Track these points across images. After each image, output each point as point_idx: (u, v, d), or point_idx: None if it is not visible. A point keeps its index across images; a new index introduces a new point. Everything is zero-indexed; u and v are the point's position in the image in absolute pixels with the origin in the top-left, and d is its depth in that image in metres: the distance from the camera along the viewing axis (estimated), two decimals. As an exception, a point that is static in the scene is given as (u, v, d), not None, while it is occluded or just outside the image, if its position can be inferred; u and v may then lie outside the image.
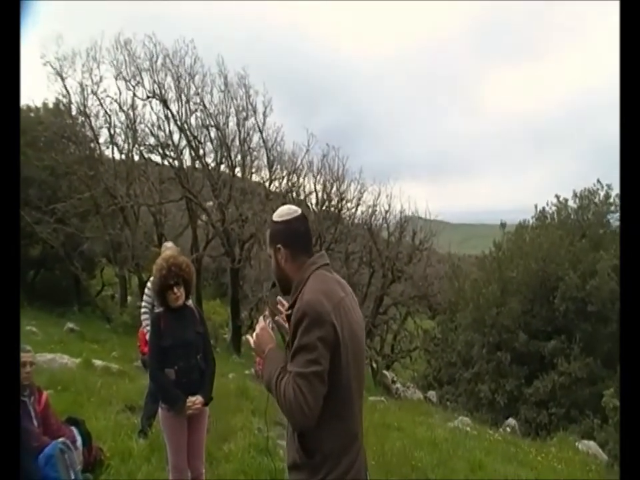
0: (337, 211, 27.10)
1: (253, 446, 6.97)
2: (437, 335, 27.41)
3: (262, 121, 25.42)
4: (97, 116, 25.08)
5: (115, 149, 25.90)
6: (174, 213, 28.51)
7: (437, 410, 16.20)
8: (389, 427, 10.07)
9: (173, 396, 4.60)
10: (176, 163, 25.09)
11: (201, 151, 25.45)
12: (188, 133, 24.74)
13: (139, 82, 24.22)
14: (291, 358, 2.54)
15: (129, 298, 28.04)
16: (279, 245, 2.79)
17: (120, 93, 24.52)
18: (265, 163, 26.31)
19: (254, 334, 2.64)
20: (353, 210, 27.86)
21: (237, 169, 26.13)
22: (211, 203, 25.54)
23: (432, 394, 20.82)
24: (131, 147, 25.72)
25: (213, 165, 25.91)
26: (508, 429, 14.76)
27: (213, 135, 25.54)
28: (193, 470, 4.76)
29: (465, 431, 11.71)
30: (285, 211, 2.86)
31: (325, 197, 26.96)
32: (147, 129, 25.19)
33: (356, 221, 28.12)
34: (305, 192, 27.04)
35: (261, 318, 2.92)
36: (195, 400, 4.62)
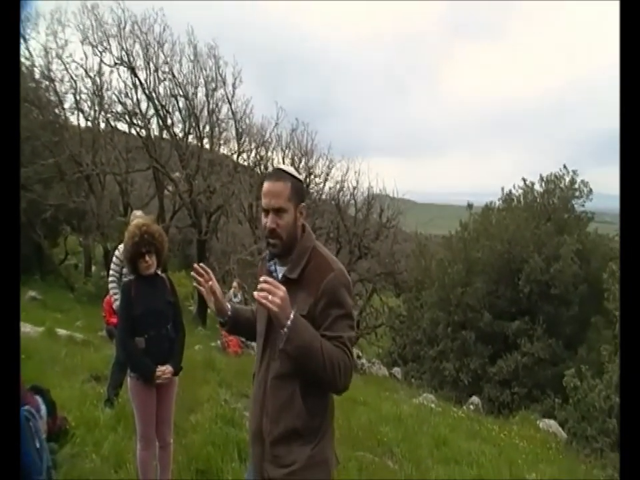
0: (304, 185, 26.95)
1: (219, 417, 6.94)
2: (402, 313, 27.61)
3: (231, 92, 25.11)
4: (61, 81, 24.42)
5: (81, 115, 25.35)
6: (140, 183, 28.13)
7: (401, 386, 16.32)
8: (355, 402, 10.09)
9: (143, 365, 4.49)
10: (143, 131, 24.68)
11: (169, 121, 25.05)
12: (156, 101, 24.31)
13: (106, 48, 23.66)
14: (332, 323, 2.56)
15: (93, 267, 27.64)
16: (303, 203, 2.73)
17: (86, 58, 23.94)
18: (234, 134, 26.02)
19: (275, 297, 2.43)
20: (321, 185, 27.76)
21: (205, 140, 25.81)
22: (178, 174, 25.26)
23: (397, 370, 20.94)
24: (97, 114, 25.19)
25: (181, 135, 25.55)
26: (472, 407, 14.95)
27: (181, 104, 25.15)
28: (160, 439, 4.68)
29: (430, 408, 11.82)
30: (296, 172, 2.79)
31: (293, 171, 26.82)
32: (114, 96, 24.67)
33: (323, 196, 28.02)
34: (272, 165, 26.82)
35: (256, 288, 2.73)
36: (165, 369, 4.53)
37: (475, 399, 16.47)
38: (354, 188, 27.69)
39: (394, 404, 10.93)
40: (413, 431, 8.83)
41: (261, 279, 2.51)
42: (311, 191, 27.22)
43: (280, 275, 2.73)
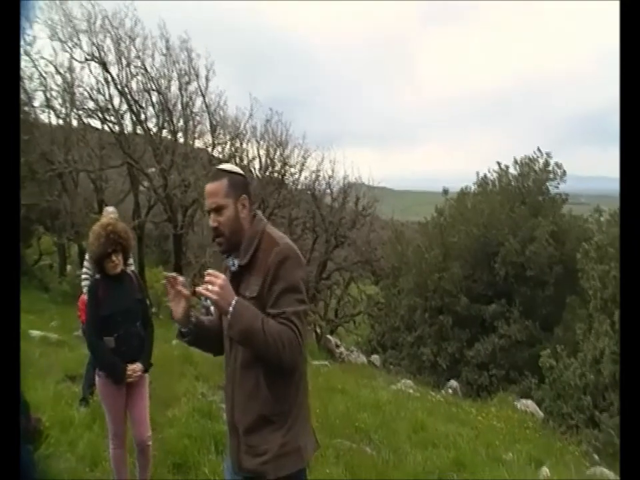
0: (280, 176, 26.82)
1: (196, 410, 6.95)
2: (380, 300, 27.71)
3: (204, 85, 24.89)
4: (30, 78, 24.03)
5: (52, 112, 24.99)
6: (115, 179, 27.77)
7: (380, 373, 16.41)
8: (333, 390, 10.13)
9: (112, 365, 4.50)
10: (116, 127, 24.35)
11: (142, 116, 24.73)
12: (129, 96, 24.00)
13: (76, 43, 23.23)
14: (276, 300, 2.56)
15: (68, 267, 27.36)
16: (244, 195, 2.76)
17: (56, 55, 23.55)
18: (208, 127, 25.83)
19: (214, 286, 2.48)
20: (297, 175, 27.65)
21: (180, 134, 25.59)
22: (153, 169, 25.03)
23: (375, 358, 21.06)
24: (68, 111, 24.78)
25: (154, 129, 25.30)
26: (450, 391, 15.10)
27: (154, 99, 24.87)
28: (138, 437, 4.68)
29: (408, 393, 11.91)
30: (235, 167, 2.85)
31: (268, 162, 26.62)
32: (85, 93, 24.26)
33: (299, 186, 27.95)
34: (248, 157, 26.66)
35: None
36: (135, 367, 4.54)
37: (453, 382, 16.63)
38: (329, 177, 27.62)
39: (372, 391, 10.99)
40: (390, 416, 8.88)
41: (206, 272, 2.55)
42: (287, 181, 27.15)
43: (234, 267, 2.78)
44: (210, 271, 2.56)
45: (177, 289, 2.74)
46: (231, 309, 2.49)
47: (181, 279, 2.78)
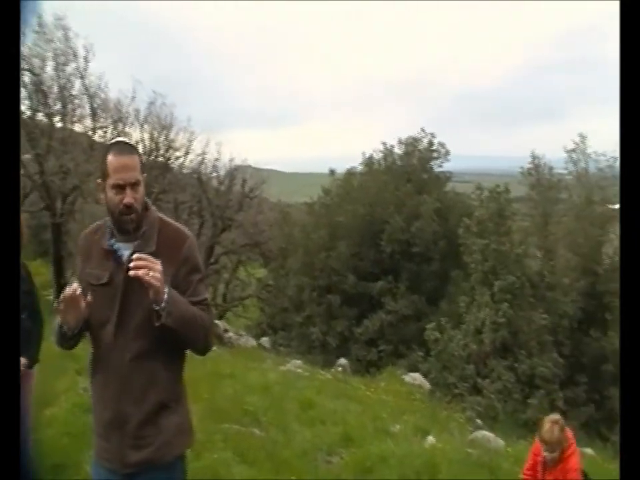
0: (165, 160, 26.20)
1: (77, 406, 6.56)
2: (269, 282, 27.68)
3: (83, 66, 23.75)
4: None
5: None
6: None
7: (270, 355, 16.31)
8: (221, 375, 9.92)
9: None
10: (-16, 110, 22.99)
11: (14, 98, 23.44)
12: (-1, 77, 22.66)
13: None
14: (195, 288, 2.57)
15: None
16: (144, 174, 2.62)
17: None
18: (88, 111, 24.73)
19: (155, 272, 2.34)
20: (182, 159, 27.08)
21: (57, 118, 24.39)
22: (27, 155, 23.78)
23: (265, 340, 20.87)
24: None
25: (28, 113, 23.99)
26: (340, 369, 15.17)
27: (27, 79, 23.58)
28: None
29: (297, 373, 11.88)
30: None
31: (153, 146, 25.94)
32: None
33: (185, 170, 27.42)
34: (131, 141, 25.87)
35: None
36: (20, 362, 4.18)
37: (342, 360, 16.71)
38: (216, 160, 27.28)
39: (261, 373, 10.86)
40: (279, 397, 8.81)
41: (134, 256, 2.39)
42: (172, 165, 26.55)
43: (126, 253, 2.54)
44: (141, 255, 2.39)
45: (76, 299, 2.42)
46: (166, 296, 2.39)
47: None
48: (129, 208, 2.51)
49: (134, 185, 2.52)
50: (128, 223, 2.55)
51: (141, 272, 2.32)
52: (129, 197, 2.50)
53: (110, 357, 2.58)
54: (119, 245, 2.59)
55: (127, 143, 2.67)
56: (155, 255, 2.48)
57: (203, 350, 2.65)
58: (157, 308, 2.38)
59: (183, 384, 2.72)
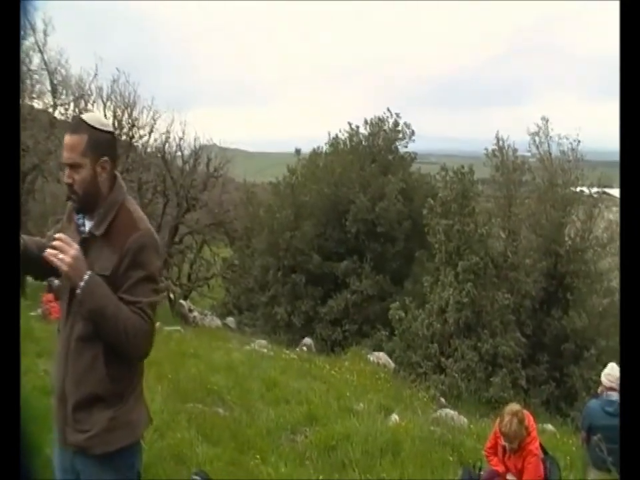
0: (128, 138, 25.82)
1: (38, 389, 6.46)
2: (234, 262, 27.60)
3: (42, 40, 23.14)
4: None
5: None
6: None
7: (234, 335, 16.31)
8: (185, 355, 9.94)
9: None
10: None
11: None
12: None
13: None
14: (132, 287, 2.43)
15: None
16: (106, 158, 2.52)
17: None
18: (48, 87, 24.15)
19: (67, 256, 2.29)
20: (146, 138, 26.71)
21: (15, 94, 23.78)
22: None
23: (230, 320, 20.92)
24: None
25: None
26: (304, 348, 15.24)
27: (-20, 53, 22.94)
28: None
29: (262, 353, 11.91)
30: (104, 121, 2.63)
31: (116, 124, 25.53)
32: None
33: (149, 149, 27.07)
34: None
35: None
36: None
37: (307, 340, 16.81)
38: (180, 139, 26.99)
39: (225, 353, 10.89)
40: (243, 377, 8.89)
41: (56, 235, 2.39)
42: (136, 144, 26.16)
43: (87, 229, 2.55)
44: (61, 236, 2.35)
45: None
46: (82, 283, 2.34)
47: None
48: (69, 187, 2.51)
49: (72, 165, 2.48)
50: (73, 202, 2.55)
51: (50, 252, 2.30)
52: (65, 177, 2.51)
53: (65, 327, 2.59)
54: (84, 220, 2.57)
55: (80, 120, 2.55)
56: (103, 239, 2.48)
57: (127, 354, 2.49)
58: (77, 293, 2.38)
59: (133, 380, 2.61)
